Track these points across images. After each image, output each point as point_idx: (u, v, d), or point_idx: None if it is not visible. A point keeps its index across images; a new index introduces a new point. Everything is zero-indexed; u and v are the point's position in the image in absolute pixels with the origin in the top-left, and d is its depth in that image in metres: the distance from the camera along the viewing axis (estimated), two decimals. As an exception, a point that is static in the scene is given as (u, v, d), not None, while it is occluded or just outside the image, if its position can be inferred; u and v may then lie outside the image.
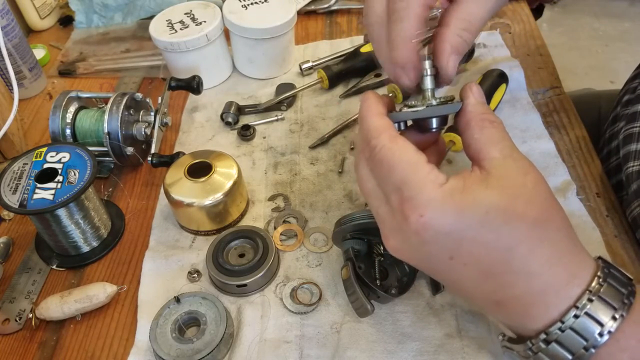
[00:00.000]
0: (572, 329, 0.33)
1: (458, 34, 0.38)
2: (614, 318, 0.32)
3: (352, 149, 0.63)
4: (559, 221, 0.35)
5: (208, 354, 0.45)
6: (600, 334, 0.32)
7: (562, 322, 0.33)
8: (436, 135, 0.42)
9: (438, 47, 0.39)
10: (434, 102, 0.39)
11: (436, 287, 0.48)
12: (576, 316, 0.33)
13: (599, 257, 0.36)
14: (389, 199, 0.36)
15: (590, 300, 0.33)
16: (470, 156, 0.37)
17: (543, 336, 0.34)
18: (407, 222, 0.34)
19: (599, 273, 0.34)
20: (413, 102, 0.39)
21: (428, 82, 0.39)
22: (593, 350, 0.32)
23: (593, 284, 0.33)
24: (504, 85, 0.64)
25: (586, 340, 0.32)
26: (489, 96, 0.62)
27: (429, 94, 0.39)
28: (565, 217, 0.36)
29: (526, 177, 0.34)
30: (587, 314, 0.32)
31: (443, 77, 0.39)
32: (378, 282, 0.47)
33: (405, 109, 0.39)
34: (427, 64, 0.39)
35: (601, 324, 0.32)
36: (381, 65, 0.42)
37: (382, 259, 0.48)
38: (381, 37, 0.40)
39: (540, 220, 0.34)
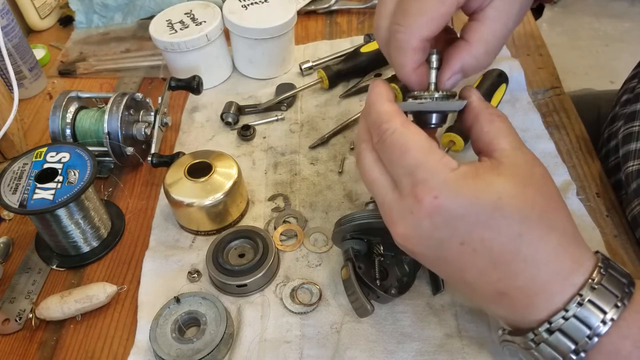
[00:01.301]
0: (575, 317, 0.33)
1: (476, 56, 0.39)
2: (616, 306, 0.33)
3: (352, 149, 0.63)
4: (564, 212, 0.36)
5: (208, 354, 0.45)
6: (603, 322, 0.32)
7: (566, 311, 0.33)
8: (432, 133, 0.42)
9: (448, 62, 0.39)
10: (437, 95, 0.39)
11: (436, 286, 0.48)
12: (580, 304, 0.33)
13: (597, 251, 0.36)
14: (399, 183, 0.36)
15: (593, 289, 0.33)
16: (479, 149, 0.38)
17: (546, 326, 0.34)
18: (419, 205, 0.34)
19: (599, 264, 0.35)
20: (417, 94, 0.39)
21: (433, 76, 0.39)
22: (596, 339, 0.32)
23: (595, 273, 0.34)
24: (504, 85, 0.64)
25: (589, 328, 0.33)
26: (489, 96, 0.62)
27: (432, 87, 0.39)
28: (569, 210, 0.36)
29: (534, 169, 0.35)
30: (590, 301, 0.33)
31: (438, 86, 0.40)
32: (378, 282, 0.47)
33: (410, 100, 0.39)
34: (433, 57, 0.39)
35: (604, 312, 0.32)
36: None
37: (382, 259, 0.48)
38: (386, 52, 0.41)
39: (549, 209, 0.34)
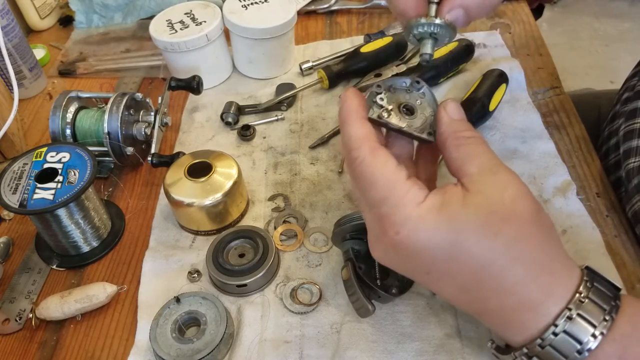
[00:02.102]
0: (551, 346, 0.33)
1: None
2: (593, 336, 0.32)
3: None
4: (538, 236, 0.34)
5: (208, 354, 0.45)
6: (580, 352, 0.32)
7: (542, 339, 0.33)
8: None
9: None
10: (437, 21, 0.38)
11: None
12: (555, 334, 0.32)
13: (586, 267, 0.35)
14: (371, 210, 0.36)
15: (569, 319, 0.32)
16: (452, 174, 0.37)
17: (525, 350, 0.34)
18: (385, 236, 0.35)
19: (581, 288, 0.33)
20: (415, 21, 0.39)
21: (433, 10, 0.39)
22: None
23: (574, 299, 0.33)
24: (504, 85, 0.64)
25: (566, 357, 0.32)
26: (489, 96, 0.62)
27: (432, 19, 0.39)
28: (550, 228, 0.35)
29: (504, 193, 0.33)
30: (565, 332, 0.32)
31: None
32: (378, 281, 0.47)
33: (384, 115, 0.38)
34: None
35: (580, 342, 0.32)
36: None
37: (382, 258, 0.48)
38: None
39: (517, 238, 0.33)
